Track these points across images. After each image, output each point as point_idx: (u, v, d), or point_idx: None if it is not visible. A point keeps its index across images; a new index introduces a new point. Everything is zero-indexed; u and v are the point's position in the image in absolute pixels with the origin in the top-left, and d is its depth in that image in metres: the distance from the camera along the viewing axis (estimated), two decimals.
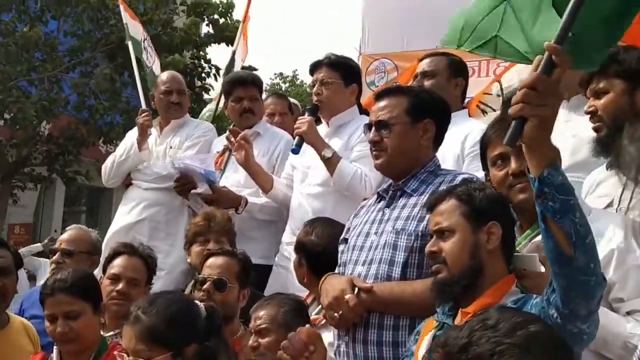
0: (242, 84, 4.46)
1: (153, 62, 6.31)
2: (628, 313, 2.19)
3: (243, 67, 6.10)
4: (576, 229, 1.76)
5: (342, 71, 3.90)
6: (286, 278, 3.74)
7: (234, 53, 6.25)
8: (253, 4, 6.50)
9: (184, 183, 4.34)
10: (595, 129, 2.60)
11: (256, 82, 4.56)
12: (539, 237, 2.32)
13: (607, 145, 2.56)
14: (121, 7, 6.34)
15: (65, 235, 4.15)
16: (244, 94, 4.42)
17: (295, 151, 3.78)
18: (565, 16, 1.77)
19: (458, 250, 2.17)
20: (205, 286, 3.19)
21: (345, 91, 3.90)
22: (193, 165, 4.26)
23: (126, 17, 6.18)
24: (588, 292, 1.82)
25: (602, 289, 1.84)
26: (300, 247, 3.22)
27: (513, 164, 2.42)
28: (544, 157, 1.77)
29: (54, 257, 4.04)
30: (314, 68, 3.95)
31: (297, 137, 3.76)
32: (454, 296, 2.17)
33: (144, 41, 6.20)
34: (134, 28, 6.13)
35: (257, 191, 4.24)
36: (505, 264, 2.22)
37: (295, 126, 3.82)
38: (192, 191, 4.29)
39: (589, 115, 2.66)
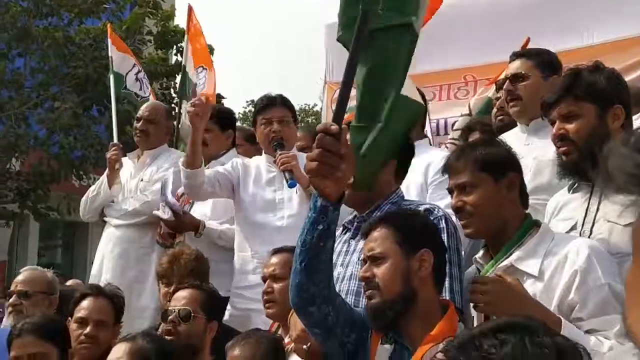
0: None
1: (148, 92, 6.28)
2: (587, 332, 2.21)
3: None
4: None
5: (293, 110, 4.08)
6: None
7: (184, 68, 6.12)
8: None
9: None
10: (564, 153, 2.59)
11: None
12: (505, 262, 2.35)
13: (576, 168, 2.56)
14: (109, 40, 6.25)
15: (20, 277, 3.99)
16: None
17: (292, 184, 3.68)
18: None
19: (390, 276, 2.23)
20: (170, 317, 3.16)
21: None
22: (167, 191, 4.22)
23: (112, 50, 6.08)
24: None
25: None
26: None
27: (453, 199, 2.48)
28: None
29: (11, 300, 3.88)
30: (267, 106, 3.98)
31: (287, 172, 3.67)
32: (388, 322, 2.23)
33: (137, 73, 6.14)
34: (120, 61, 6.06)
35: (223, 222, 4.24)
36: (436, 292, 2.29)
37: (281, 162, 3.73)
38: (154, 212, 4.26)
39: (550, 138, 2.67)
